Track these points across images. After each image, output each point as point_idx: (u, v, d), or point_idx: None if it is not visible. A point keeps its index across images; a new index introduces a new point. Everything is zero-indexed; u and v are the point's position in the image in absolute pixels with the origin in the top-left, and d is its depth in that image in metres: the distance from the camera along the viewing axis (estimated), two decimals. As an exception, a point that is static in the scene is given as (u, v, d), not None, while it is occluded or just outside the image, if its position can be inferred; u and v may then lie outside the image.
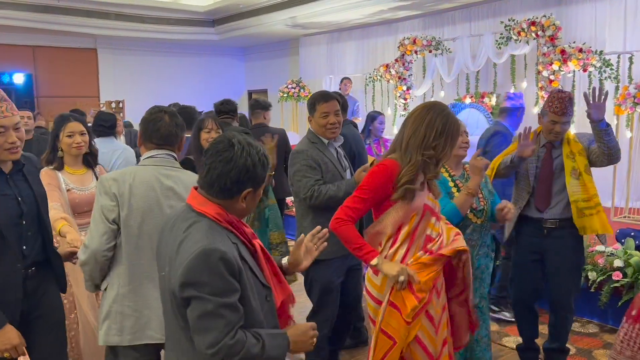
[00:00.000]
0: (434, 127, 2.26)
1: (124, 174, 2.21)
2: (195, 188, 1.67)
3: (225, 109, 4.58)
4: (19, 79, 10.60)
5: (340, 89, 8.90)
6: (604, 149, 2.98)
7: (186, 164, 3.03)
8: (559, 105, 3.03)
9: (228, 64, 14.04)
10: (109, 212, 2.16)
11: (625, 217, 6.42)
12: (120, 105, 11.15)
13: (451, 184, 2.83)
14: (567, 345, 3.38)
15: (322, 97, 3.05)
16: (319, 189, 2.91)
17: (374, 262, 2.23)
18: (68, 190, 3.00)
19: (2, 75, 10.40)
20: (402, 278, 2.18)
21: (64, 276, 2.37)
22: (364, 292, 2.44)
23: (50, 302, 2.30)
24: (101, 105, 11.22)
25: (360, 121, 9.24)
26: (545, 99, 3.18)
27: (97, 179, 3.02)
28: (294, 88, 10.73)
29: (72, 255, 2.50)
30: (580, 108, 7.42)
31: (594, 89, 2.98)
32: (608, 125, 2.95)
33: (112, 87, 12.15)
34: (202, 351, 1.50)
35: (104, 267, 2.22)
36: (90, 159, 3.13)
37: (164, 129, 2.23)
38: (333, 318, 3.12)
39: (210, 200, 1.61)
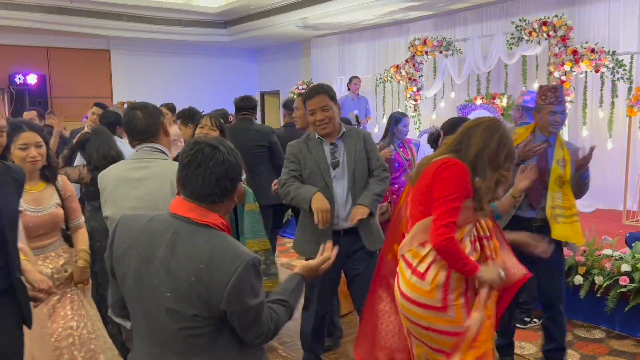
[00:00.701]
0: (505, 146, 2.22)
1: (106, 171, 2.47)
2: (184, 199, 1.61)
3: (246, 105, 4.61)
4: (33, 79, 10.72)
5: (349, 88, 8.87)
6: (579, 180, 3.12)
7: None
8: (553, 95, 3.10)
9: (240, 65, 14.07)
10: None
11: (637, 220, 6.29)
12: (132, 106, 11.21)
13: None
14: (572, 350, 3.31)
15: (307, 95, 2.99)
16: (287, 188, 2.97)
17: (479, 274, 2.17)
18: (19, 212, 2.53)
19: (16, 75, 10.51)
20: (502, 273, 2.19)
21: (29, 310, 2.09)
22: (398, 298, 2.33)
23: (5, 340, 2.01)
24: (114, 106, 11.30)
25: (371, 121, 9.20)
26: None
27: (59, 194, 2.74)
28: (305, 89, 10.71)
29: (37, 301, 2.15)
30: (592, 111, 7.31)
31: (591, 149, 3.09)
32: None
33: (125, 87, 12.24)
34: (252, 342, 1.63)
35: None
36: (48, 173, 2.72)
37: (138, 125, 2.37)
38: (318, 313, 3.18)
39: (209, 209, 1.59)
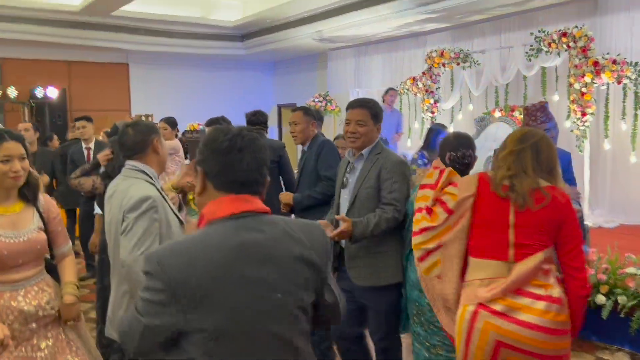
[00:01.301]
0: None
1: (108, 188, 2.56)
2: (237, 196, 1.45)
3: (257, 120, 4.70)
4: (53, 93, 10.84)
5: (384, 100, 8.52)
6: None
7: None
8: (543, 114, 3.21)
9: (257, 78, 14.11)
10: None
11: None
12: (149, 119, 11.30)
13: None
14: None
15: (350, 104, 2.98)
16: None
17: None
18: None
19: (37, 89, 10.65)
20: None
21: None
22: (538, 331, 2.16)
23: None
24: (132, 119, 11.39)
25: (401, 136, 8.97)
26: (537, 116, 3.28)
27: (42, 217, 2.34)
28: (321, 102, 10.68)
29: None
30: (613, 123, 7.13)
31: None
32: None
33: (143, 100, 12.34)
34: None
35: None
36: (27, 191, 2.31)
37: (128, 141, 2.45)
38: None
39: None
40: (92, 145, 5.76)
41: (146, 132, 2.46)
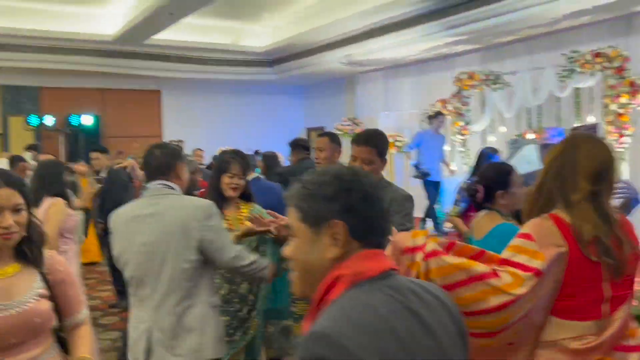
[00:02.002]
0: None
1: (118, 211, 2.49)
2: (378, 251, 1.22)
3: (301, 144, 5.09)
4: (87, 120, 11.11)
5: (431, 122, 8.45)
6: None
7: None
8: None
9: (287, 102, 14.21)
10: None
11: None
12: (181, 144, 11.45)
13: None
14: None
15: (355, 139, 2.80)
16: None
17: None
18: None
19: (72, 117, 10.92)
20: None
21: None
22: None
23: None
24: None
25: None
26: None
27: (45, 278, 1.85)
28: (349, 125, 10.66)
29: None
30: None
31: None
32: None
33: (175, 126, 12.53)
34: None
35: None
36: (27, 249, 1.82)
37: (153, 162, 2.45)
38: None
39: None
40: (103, 174, 5.91)
41: (172, 156, 2.48)
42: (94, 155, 6.06)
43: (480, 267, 1.75)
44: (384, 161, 2.79)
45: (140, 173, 5.37)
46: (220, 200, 2.97)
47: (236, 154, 3.11)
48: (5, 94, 11.13)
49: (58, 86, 11.36)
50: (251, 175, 3.73)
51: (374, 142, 2.73)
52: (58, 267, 1.91)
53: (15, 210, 1.76)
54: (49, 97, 11.38)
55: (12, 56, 9.79)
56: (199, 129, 12.35)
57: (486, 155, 4.28)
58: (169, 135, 12.30)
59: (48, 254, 1.90)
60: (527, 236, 1.82)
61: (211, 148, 9.02)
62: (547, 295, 1.79)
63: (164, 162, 2.44)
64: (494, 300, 1.70)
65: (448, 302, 1.23)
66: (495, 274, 1.74)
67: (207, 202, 2.45)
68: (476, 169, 4.31)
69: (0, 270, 1.78)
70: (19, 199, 1.77)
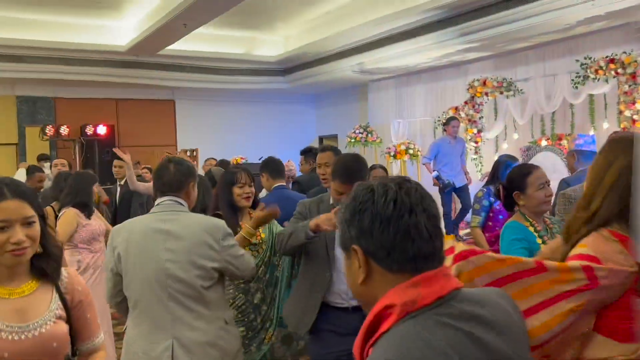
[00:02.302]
0: None
1: (125, 224, 2.44)
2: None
3: (314, 153, 5.09)
4: (102, 130, 11.22)
5: (445, 130, 7.98)
6: None
7: None
8: None
9: (299, 110, 14.26)
10: (108, 262, 2.38)
11: None
12: (195, 153, 11.54)
13: (539, 240, 2.57)
14: None
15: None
16: (280, 237, 2.78)
17: None
18: None
19: (87, 127, 11.04)
20: None
21: None
22: None
23: None
24: (178, 154, 11.65)
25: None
26: None
27: (62, 298, 1.67)
28: (361, 133, 10.67)
29: None
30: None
31: None
32: None
33: (189, 135, 12.63)
34: None
35: (121, 310, 2.46)
36: (45, 265, 1.65)
37: (166, 177, 2.41)
38: None
39: None
40: (122, 182, 5.97)
41: (186, 174, 2.45)
42: (117, 163, 6.06)
43: (529, 261, 1.58)
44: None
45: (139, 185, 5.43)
46: (235, 213, 3.00)
47: (238, 166, 3.21)
48: (21, 105, 11.28)
49: (73, 97, 11.51)
50: (276, 183, 3.82)
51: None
52: (77, 286, 1.73)
53: (26, 223, 1.58)
54: (64, 108, 11.52)
55: (27, 67, 9.93)
56: (212, 137, 12.44)
57: (504, 164, 4.14)
58: (183, 144, 12.40)
59: (66, 271, 1.73)
60: (591, 259, 1.55)
61: (225, 156, 9.06)
62: (595, 309, 1.59)
63: (176, 179, 2.42)
64: (559, 289, 1.51)
65: (509, 306, 1.14)
66: (543, 266, 1.55)
67: (221, 222, 2.45)
68: (493, 177, 4.20)
69: (17, 289, 1.60)
70: (29, 211, 1.59)
